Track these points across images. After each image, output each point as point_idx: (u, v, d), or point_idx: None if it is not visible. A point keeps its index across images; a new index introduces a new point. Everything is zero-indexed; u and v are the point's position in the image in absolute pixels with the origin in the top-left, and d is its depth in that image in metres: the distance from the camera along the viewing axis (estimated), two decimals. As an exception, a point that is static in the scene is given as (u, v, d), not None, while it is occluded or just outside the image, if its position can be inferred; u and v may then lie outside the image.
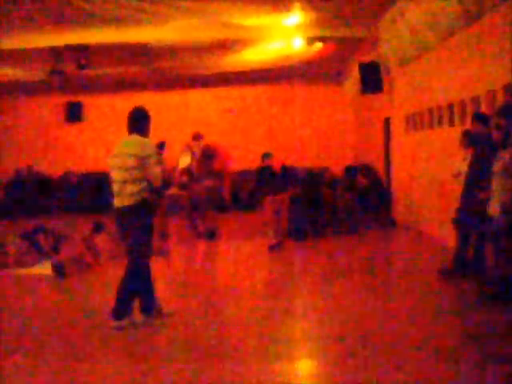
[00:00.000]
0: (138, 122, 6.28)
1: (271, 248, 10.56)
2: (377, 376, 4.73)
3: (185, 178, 12.46)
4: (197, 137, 12.43)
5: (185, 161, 12.63)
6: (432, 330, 5.81)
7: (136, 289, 6.21)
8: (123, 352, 5.66)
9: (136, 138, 6.20)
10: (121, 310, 6.17)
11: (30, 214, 16.61)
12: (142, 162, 6.04)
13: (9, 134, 18.99)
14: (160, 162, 6.21)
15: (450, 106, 9.58)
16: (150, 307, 6.30)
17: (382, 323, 6.12)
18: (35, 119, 19.11)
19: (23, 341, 5.96)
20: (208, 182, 11.97)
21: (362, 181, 13.25)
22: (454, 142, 8.97)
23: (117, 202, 6.17)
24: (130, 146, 6.15)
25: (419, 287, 7.59)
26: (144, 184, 6.09)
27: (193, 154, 12.22)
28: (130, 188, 6.05)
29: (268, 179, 11.56)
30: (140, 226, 6.15)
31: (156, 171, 6.11)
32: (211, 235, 11.89)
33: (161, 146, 6.56)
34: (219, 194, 12.77)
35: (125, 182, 6.07)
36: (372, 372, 4.81)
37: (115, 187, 6.18)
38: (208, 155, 12.07)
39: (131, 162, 6.04)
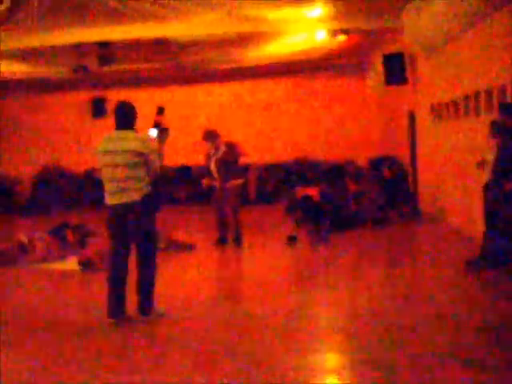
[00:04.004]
0: (130, 116, 6.15)
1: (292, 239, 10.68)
2: (400, 371, 4.70)
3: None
4: (209, 136, 10.68)
5: None
6: (458, 324, 5.76)
7: (154, 280, 6.24)
8: (143, 344, 5.71)
9: (132, 133, 6.07)
10: (148, 303, 6.21)
11: (57, 209, 16.78)
12: (144, 158, 5.95)
13: (36, 131, 19.18)
14: (160, 156, 6.16)
15: (477, 96, 9.46)
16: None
17: (407, 317, 6.05)
18: (62, 115, 19.28)
19: (47, 333, 6.06)
20: (233, 183, 10.61)
21: (387, 173, 13.16)
22: (480, 132, 8.87)
23: (121, 199, 6.01)
24: (129, 141, 5.99)
25: (446, 279, 7.53)
26: (147, 179, 6.04)
27: (211, 155, 10.68)
28: (137, 184, 5.98)
29: None
30: (151, 219, 6.15)
31: (157, 166, 6.06)
32: (237, 241, 10.68)
33: (160, 111, 6.48)
34: (244, 191, 11.75)
35: (129, 178, 5.96)
36: (396, 367, 4.78)
37: (114, 185, 6.03)
38: (232, 154, 10.71)
39: (135, 158, 5.93)
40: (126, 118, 6.12)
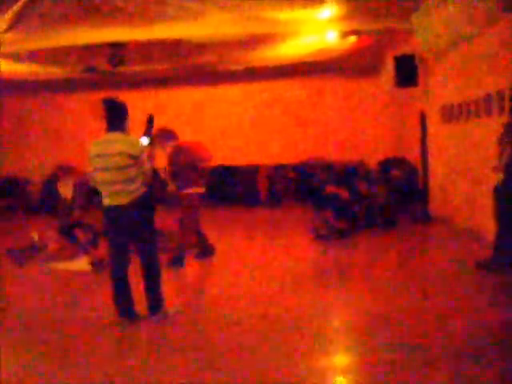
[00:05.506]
0: (120, 117, 6.18)
1: (319, 237, 10.72)
2: (415, 372, 4.69)
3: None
4: (160, 137, 9.15)
5: (66, 191, 11.11)
6: (466, 327, 5.74)
7: (159, 279, 6.31)
8: (151, 343, 5.75)
9: (122, 135, 6.11)
10: (156, 302, 6.26)
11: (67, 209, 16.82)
12: (135, 160, 6.00)
13: (48, 131, 19.28)
14: (151, 157, 6.23)
15: (488, 97, 9.44)
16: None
17: (418, 319, 6.04)
18: (74, 116, 19.37)
19: (56, 332, 6.10)
20: (188, 192, 9.33)
21: (397, 174, 13.14)
22: (491, 133, 8.85)
23: (115, 201, 6.06)
24: (119, 144, 6.03)
25: (456, 281, 7.51)
26: (140, 180, 6.09)
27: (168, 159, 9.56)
28: (130, 186, 6.02)
29: None
30: (149, 219, 6.20)
31: (148, 168, 6.12)
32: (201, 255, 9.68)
33: (150, 120, 6.56)
34: (200, 201, 9.59)
35: (122, 181, 6.00)
36: (412, 368, 4.77)
37: (108, 188, 6.07)
38: (177, 158, 9.39)
39: (126, 161, 5.98)
40: (116, 118, 6.17)
